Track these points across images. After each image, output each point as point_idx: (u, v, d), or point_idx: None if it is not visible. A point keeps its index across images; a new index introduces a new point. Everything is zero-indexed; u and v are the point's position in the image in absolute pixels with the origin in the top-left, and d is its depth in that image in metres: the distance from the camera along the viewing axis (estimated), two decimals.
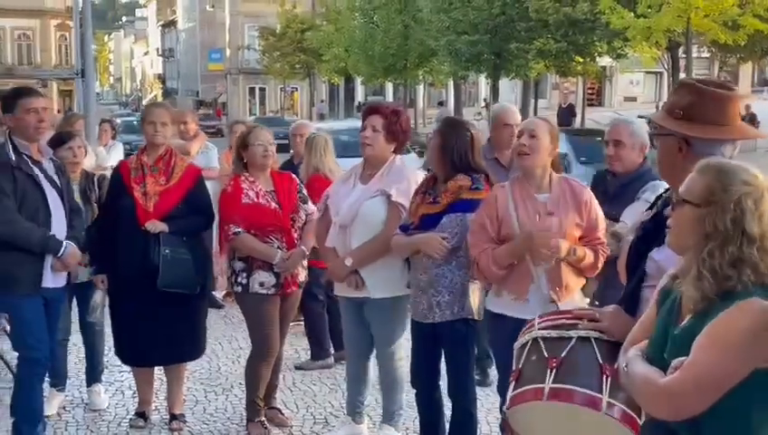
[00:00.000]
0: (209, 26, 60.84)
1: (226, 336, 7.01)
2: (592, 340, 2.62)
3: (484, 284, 4.00)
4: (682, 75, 22.06)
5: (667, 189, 2.82)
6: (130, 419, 5.18)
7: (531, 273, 3.77)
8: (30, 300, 4.43)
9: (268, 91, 56.51)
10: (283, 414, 5.20)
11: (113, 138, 10.03)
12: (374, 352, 4.75)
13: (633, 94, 48.97)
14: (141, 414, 5.16)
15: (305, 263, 5.04)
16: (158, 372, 5.33)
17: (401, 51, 33.85)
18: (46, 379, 5.19)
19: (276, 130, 7.59)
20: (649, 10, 20.27)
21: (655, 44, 22.12)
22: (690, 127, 2.60)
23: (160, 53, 79.95)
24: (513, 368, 2.81)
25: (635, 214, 4.19)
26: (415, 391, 4.50)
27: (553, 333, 2.71)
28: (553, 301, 3.68)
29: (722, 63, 32.27)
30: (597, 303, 4.03)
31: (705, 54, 34.64)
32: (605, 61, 33.75)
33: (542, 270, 3.75)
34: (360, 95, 49.11)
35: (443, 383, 4.44)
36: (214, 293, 7.86)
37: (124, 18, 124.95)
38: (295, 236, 4.87)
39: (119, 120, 20.75)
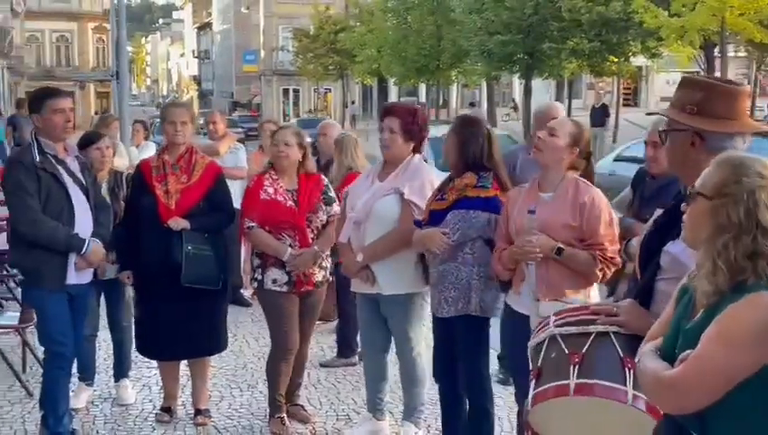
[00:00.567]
0: (244, 28, 61.33)
1: (253, 334, 7.09)
2: (611, 334, 2.63)
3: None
4: (717, 75, 21.81)
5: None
6: (156, 413, 5.28)
7: (522, 271, 3.80)
8: (55, 296, 4.54)
9: (302, 92, 56.79)
10: (305, 411, 5.26)
11: (146, 138, 10.18)
12: (392, 348, 4.80)
13: (670, 94, 48.01)
14: (167, 409, 5.25)
15: (327, 263, 5.08)
16: (184, 368, 5.41)
17: (434, 51, 33.86)
18: (75, 373, 5.32)
19: (312, 131, 7.68)
20: (683, 9, 20.07)
21: (689, 44, 21.88)
22: (704, 121, 2.63)
23: (196, 54, 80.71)
24: (531, 367, 2.81)
25: None
26: (438, 386, 4.54)
27: (572, 330, 2.71)
28: (537, 298, 3.67)
29: (759, 63, 31.77)
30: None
31: (742, 54, 34.19)
32: (640, 61, 33.44)
33: (533, 267, 3.75)
34: (393, 96, 49.13)
35: None
36: (242, 291, 7.96)
37: (161, 20, 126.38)
38: (311, 236, 4.92)
39: (154, 121, 20.98)
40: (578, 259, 3.69)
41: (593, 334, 2.65)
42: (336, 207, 5.03)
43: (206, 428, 5.09)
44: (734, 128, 2.64)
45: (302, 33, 49.02)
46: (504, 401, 5.19)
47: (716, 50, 22.67)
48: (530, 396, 2.74)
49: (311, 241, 4.91)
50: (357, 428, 5.00)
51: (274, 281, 4.87)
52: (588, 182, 3.82)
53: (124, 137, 11.24)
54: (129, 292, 5.30)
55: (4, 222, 6.15)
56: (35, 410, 5.03)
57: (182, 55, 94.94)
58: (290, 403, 5.18)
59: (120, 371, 5.59)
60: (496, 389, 5.59)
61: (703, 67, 25.39)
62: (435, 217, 4.21)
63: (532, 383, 2.75)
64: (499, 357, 5.54)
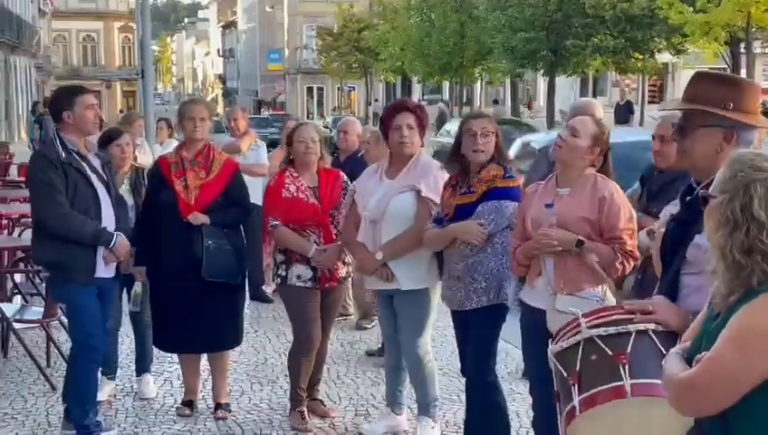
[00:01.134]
0: (268, 27, 61.53)
1: (274, 330, 7.13)
2: (650, 332, 2.60)
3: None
4: (743, 72, 21.61)
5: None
6: (177, 407, 5.33)
7: (540, 264, 3.80)
8: (85, 289, 4.62)
9: (326, 90, 56.93)
10: (325, 406, 5.29)
11: (170, 136, 10.25)
12: None
13: (669, 100, 47.99)
14: (188, 403, 5.31)
15: (349, 259, 5.12)
16: (205, 363, 5.47)
17: (457, 49, 33.80)
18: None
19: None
20: (708, 4, 19.91)
21: (714, 40, 21.71)
22: (742, 116, 2.70)
23: (221, 53, 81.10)
24: (566, 373, 2.75)
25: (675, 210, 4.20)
26: (455, 381, 4.57)
27: (611, 330, 2.66)
28: (554, 292, 3.67)
29: None
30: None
31: None
32: (666, 57, 33.20)
33: (550, 261, 3.75)
34: (416, 94, 49.13)
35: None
36: (264, 287, 8.01)
37: (186, 20, 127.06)
38: (335, 232, 4.95)
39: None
40: (599, 252, 3.68)
41: (633, 333, 2.61)
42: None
43: (226, 422, 5.14)
44: (761, 123, 2.75)
45: (325, 32, 49.13)
46: (523, 397, 5.20)
47: (742, 46, 22.47)
48: (574, 402, 2.66)
49: (334, 237, 4.94)
50: (375, 422, 5.03)
51: (299, 277, 4.91)
52: (606, 177, 3.82)
53: (149, 135, 11.32)
54: (141, 286, 5.32)
55: (29, 219, 6.25)
56: (58, 404, 5.10)
57: (207, 54, 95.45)
58: (309, 398, 5.22)
59: (143, 365, 5.66)
60: (516, 385, 5.63)
61: (729, 63, 25.17)
62: (463, 211, 4.22)
63: (574, 389, 2.67)
64: None
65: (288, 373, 5.18)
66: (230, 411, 5.25)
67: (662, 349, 2.51)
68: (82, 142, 4.67)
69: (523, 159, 8.49)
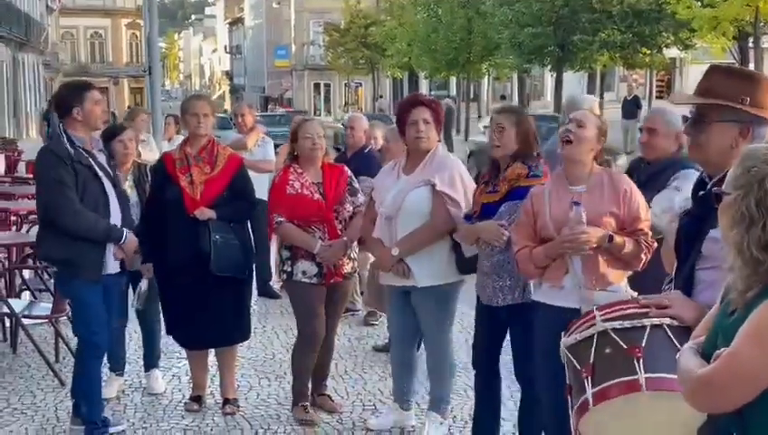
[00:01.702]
0: (275, 23, 61.51)
1: (282, 326, 7.14)
2: (665, 326, 2.59)
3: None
4: (751, 66, 21.51)
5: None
6: (185, 403, 5.36)
7: (566, 262, 3.75)
8: (93, 286, 4.63)
9: (333, 86, 56.87)
10: (332, 401, 5.31)
11: (178, 132, 10.26)
12: (420, 339, 4.82)
13: (679, 92, 47.70)
14: (196, 398, 5.33)
15: (355, 254, 5.12)
16: (212, 358, 5.48)
17: (464, 44, 33.69)
18: (106, 363, 5.41)
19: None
20: None
21: (722, 35, 21.60)
22: (759, 111, 2.69)
23: (228, 50, 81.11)
24: (580, 366, 2.74)
25: (664, 201, 4.21)
26: (462, 376, 4.56)
27: (626, 323, 2.65)
28: (589, 289, 3.66)
29: None
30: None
31: None
32: (673, 52, 33.07)
33: (578, 259, 3.72)
34: (423, 90, 49.09)
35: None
36: (271, 283, 8.02)
37: (193, 16, 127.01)
38: (339, 227, 4.95)
39: None
40: (627, 246, 3.71)
41: (648, 327, 2.60)
42: (361, 198, 5.06)
43: (235, 417, 5.16)
44: None
45: (332, 28, 49.06)
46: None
47: (750, 41, 22.37)
48: (587, 395, 2.65)
49: (339, 232, 4.94)
50: (383, 417, 5.04)
51: (304, 273, 4.91)
52: (616, 172, 3.83)
53: (156, 132, 11.34)
54: (147, 283, 5.35)
55: (35, 215, 6.26)
56: (67, 399, 5.13)
57: (214, 51, 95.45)
58: (317, 393, 5.24)
59: (150, 361, 5.68)
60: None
61: (737, 58, 25.05)
62: (487, 210, 4.21)
63: (587, 382, 2.66)
64: None
65: (291, 368, 5.20)
66: (238, 407, 5.27)
67: (677, 344, 2.50)
68: (88, 138, 4.68)
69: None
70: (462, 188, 4.52)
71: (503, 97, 41.13)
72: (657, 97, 34.79)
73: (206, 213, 4.95)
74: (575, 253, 3.70)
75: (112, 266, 4.72)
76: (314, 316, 4.97)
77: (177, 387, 5.71)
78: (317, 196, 4.93)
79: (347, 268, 5.04)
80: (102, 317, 4.70)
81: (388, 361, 6.11)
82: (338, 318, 5.30)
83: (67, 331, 6.30)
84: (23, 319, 6.06)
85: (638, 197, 3.81)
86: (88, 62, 58.89)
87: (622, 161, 8.53)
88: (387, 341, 6.47)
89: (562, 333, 2.99)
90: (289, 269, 4.96)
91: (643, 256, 3.74)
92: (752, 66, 21.60)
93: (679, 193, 4.28)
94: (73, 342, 5.67)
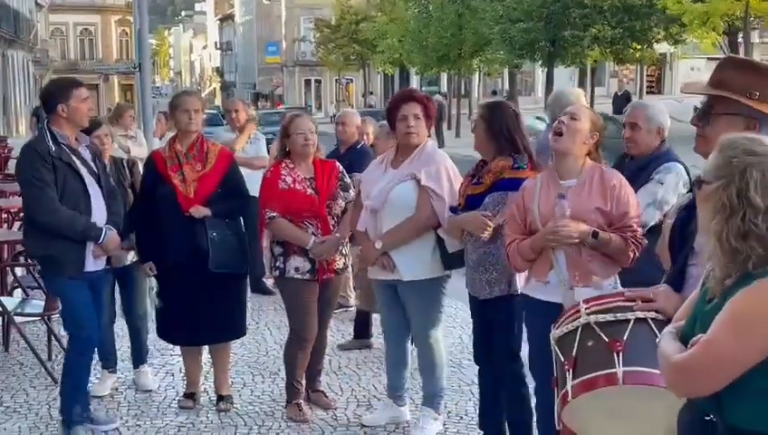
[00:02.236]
0: (266, 19, 61.37)
1: (276, 323, 7.13)
2: (649, 320, 2.60)
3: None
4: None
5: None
6: (179, 400, 5.34)
7: (550, 257, 3.74)
8: (75, 283, 4.61)
9: (324, 82, 56.82)
10: (327, 397, 5.30)
11: (170, 129, 10.22)
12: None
13: (694, 81, 47.83)
14: (190, 395, 5.31)
15: (346, 250, 5.11)
16: (206, 355, 5.47)
17: (455, 40, 33.68)
18: (98, 361, 5.40)
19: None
20: None
21: (712, 30, 21.68)
22: (766, 107, 2.66)
23: (218, 46, 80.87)
24: (564, 358, 2.76)
25: (648, 195, 4.23)
26: (456, 372, 4.56)
27: (609, 317, 2.66)
28: (571, 285, 3.64)
29: None
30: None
31: None
32: (664, 47, 33.18)
33: (562, 254, 3.71)
34: (414, 85, 49.07)
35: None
36: (264, 280, 7.99)
37: (183, 13, 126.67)
38: (332, 223, 4.95)
39: None
40: (613, 242, 3.66)
41: (632, 321, 2.61)
42: (353, 193, 5.05)
43: (229, 413, 5.15)
44: None
45: (323, 24, 49.03)
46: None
47: (740, 36, 22.45)
48: (567, 387, 2.68)
49: (332, 228, 4.93)
50: (377, 413, 5.03)
51: (297, 269, 4.90)
52: (609, 168, 3.80)
53: (147, 128, 11.30)
54: (148, 281, 5.34)
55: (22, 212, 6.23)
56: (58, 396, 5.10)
57: (205, 47, 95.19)
58: (311, 389, 5.23)
59: (139, 357, 5.66)
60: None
61: (727, 53, 25.11)
62: (472, 202, 4.22)
63: (569, 374, 2.69)
64: None
65: (284, 365, 5.19)
66: (232, 404, 5.26)
67: (659, 337, 2.52)
68: (74, 135, 4.64)
69: None
70: (448, 183, 4.51)
71: (494, 93, 41.14)
72: (647, 92, 34.92)
73: (201, 211, 4.93)
74: (558, 247, 3.70)
75: (96, 263, 4.68)
76: (307, 313, 4.95)
77: (171, 384, 5.69)
78: (309, 191, 4.91)
79: (339, 264, 5.03)
80: (89, 313, 4.68)
81: (381, 357, 6.11)
82: (330, 314, 5.30)
83: (60, 328, 6.27)
84: (15, 317, 6.04)
85: (629, 193, 3.76)
86: (78, 58, 58.68)
87: None
88: (351, 338, 6.51)
89: (552, 326, 3.00)
90: (281, 266, 4.94)
91: (630, 253, 3.69)
92: None
93: (662, 186, 4.30)
94: (66, 339, 5.65)
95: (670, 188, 4.31)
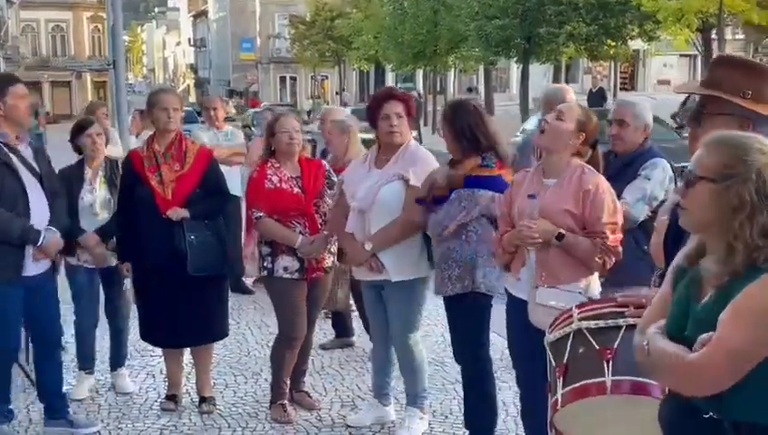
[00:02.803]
0: (240, 16, 61.09)
1: (256, 322, 7.08)
2: None
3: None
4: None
5: None
6: (161, 402, 5.27)
7: (524, 255, 3.74)
8: (8, 288, 4.42)
9: (299, 79, 56.69)
10: (311, 397, 5.26)
11: (146, 127, 10.09)
12: None
13: (666, 78, 48.41)
14: (172, 397, 5.25)
15: (334, 249, 5.08)
16: (187, 355, 5.41)
17: (431, 37, 33.66)
18: (71, 364, 5.39)
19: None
20: None
21: (686, 26, 21.85)
22: (759, 106, 2.63)
23: (192, 43, 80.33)
24: (555, 364, 2.74)
25: (636, 191, 4.26)
26: (439, 370, 4.56)
27: (600, 323, 2.64)
28: (536, 284, 3.63)
29: (756, 45, 31.75)
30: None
31: (740, 36, 34.14)
32: (637, 44, 33.38)
33: (533, 253, 3.69)
34: (390, 82, 48.99)
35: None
36: (244, 279, 7.94)
37: (156, 9, 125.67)
38: (320, 221, 4.90)
39: None
40: (579, 246, 3.59)
41: (623, 328, 2.59)
42: None
43: (212, 415, 5.09)
44: None
45: (298, 20, 48.87)
46: (509, 385, 5.19)
47: (713, 32, 22.63)
48: (557, 395, 2.67)
49: (320, 226, 4.89)
50: (363, 413, 5.00)
51: (285, 268, 4.85)
52: (593, 169, 3.73)
53: (122, 126, 11.18)
54: (128, 282, 5.28)
55: None
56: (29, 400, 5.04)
57: (178, 44, 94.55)
58: (295, 390, 5.19)
59: (118, 360, 5.58)
60: (501, 373, 5.63)
61: (700, 50, 25.32)
62: (439, 200, 4.21)
63: (560, 381, 2.67)
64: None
65: (270, 365, 5.14)
66: (215, 405, 5.21)
67: None
68: (14, 133, 4.49)
69: None
70: None
71: (469, 90, 41.21)
72: (621, 89, 35.13)
73: (179, 213, 4.85)
74: (524, 245, 3.69)
75: (36, 267, 4.51)
76: (297, 314, 4.91)
77: (152, 386, 5.62)
78: (296, 190, 4.86)
79: (328, 262, 4.99)
80: (12, 321, 4.53)
81: (364, 356, 6.11)
82: (318, 314, 5.26)
83: None
84: None
85: (606, 199, 3.63)
86: (49, 55, 58.10)
87: None
88: (332, 337, 6.47)
89: (547, 329, 2.99)
90: (269, 265, 4.88)
91: (598, 259, 3.60)
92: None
93: (650, 182, 4.33)
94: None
95: (657, 183, 4.35)
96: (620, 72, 43.85)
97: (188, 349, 5.33)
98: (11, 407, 4.80)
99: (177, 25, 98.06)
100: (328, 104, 42.21)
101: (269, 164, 4.93)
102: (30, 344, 5.95)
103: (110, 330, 5.60)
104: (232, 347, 6.35)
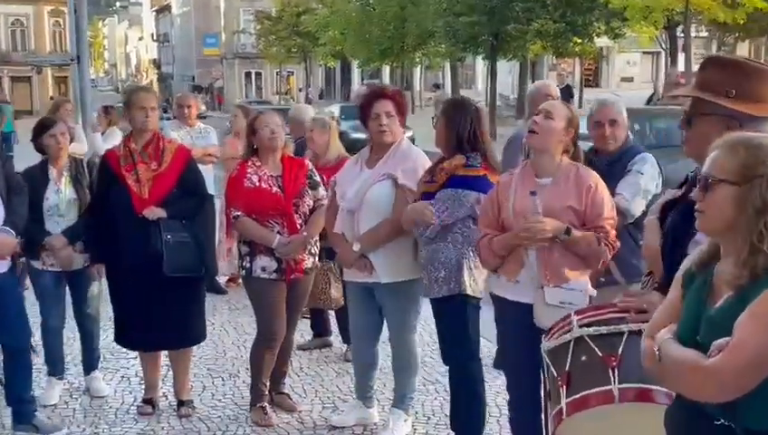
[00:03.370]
0: (204, 11, 60.63)
1: (232, 322, 6.98)
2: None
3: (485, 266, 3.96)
4: (681, 55, 21.96)
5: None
6: (138, 405, 5.15)
7: (521, 256, 3.68)
8: None
9: (264, 75, 56.40)
10: (291, 399, 5.18)
11: (110, 124, 9.88)
12: (382, 336, 4.75)
13: (630, 75, 48.90)
14: (149, 401, 5.13)
15: (315, 250, 4.99)
16: (164, 358, 5.29)
17: (398, 33, 33.68)
18: (44, 368, 5.26)
19: None
20: None
21: (653, 24, 22.04)
22: (744, 105, 2.58)
23: (155, 38, 79.64)
24: (556, 372, 2.69)
25: (632, 186, 4.26)
26: (420, 371, 4.52)
27: (602, 329, 2.60)
28: (542, 284, 3.59)
29: (720, 43, 32.14)
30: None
31: (704, 34, 34.52)
32: (603, 41, 33.60)
33: (534, 253, 3.65)
34: (356, 79, 48.91)
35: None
36: (217, 278, 7.82)
37: (118, 3, 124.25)
38: (299, 221, 4.82)
39: (117, 107, 20.52)
40: (585, 241, 3.59)
41: (626, 334, 2.55)
42: (322, 191, 4.93)
43: (190, 419, 4.98)
44: (763, 112, 2.58)
45: (263, 16, 48.64)
46: (489, 386, 5.13)
47: (679, 30, 22.87)
48: (561, 404, 2.61)
49: (299, 227, 4.81)
50: (345, 415, 4.92)
51: (264, 268, 4.76)
52: (585, 166, 3.74)
53: (86, 123, 10.95)
54: (98, 284, 5.16)
55: None
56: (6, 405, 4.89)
57: (141, 39, 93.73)
58: (275, 392, 5.11)
59: (90, 363, 5.44)
60: (485, 375, 5.59)
61: (665, 47, 25.57)
62: (426, 198, 4.16)
63: (562, 390, 2.62)
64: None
65: (249, 367, 5.05)
66: (194, 408, 5.10)
67: None
68: None
69: None
70: None
71: (436, 86, 41.30)
72: (585, 85, 35.35)
73: (155, 212, 4.75)
74: (531, 244, 3.63)
75: None
76: (275, 314, 4.82)
77: (128, 389, 5.50)
78: (275, 189, 4.78)
79: (307, 263, 4.90)
80: None
81: (342, 356, 6.03)
82: (298, 315, 5.16)
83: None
84: None
85: (604, 194, 3.70)
86: (9, 50, 57.17)
87: None
88: (311, 338, 6.39)
89: (543, 337, 2.94)
90: (248, 265, 4.80)
91: (602, 254, 3.63)
92: (681, 55, 22.09)
93: (643, 176, 4.34)
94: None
95: (649, 177, 4.38)
96: (585, 69, 44.19)
97: (165, 351, 5.21)
98: None
99: (139, 20, 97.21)
100: (294, 100, 42.05)
101: (250, 163, 4.84)
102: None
103: (80, 333, 5.46)
104: (207, 348, 6.22)
